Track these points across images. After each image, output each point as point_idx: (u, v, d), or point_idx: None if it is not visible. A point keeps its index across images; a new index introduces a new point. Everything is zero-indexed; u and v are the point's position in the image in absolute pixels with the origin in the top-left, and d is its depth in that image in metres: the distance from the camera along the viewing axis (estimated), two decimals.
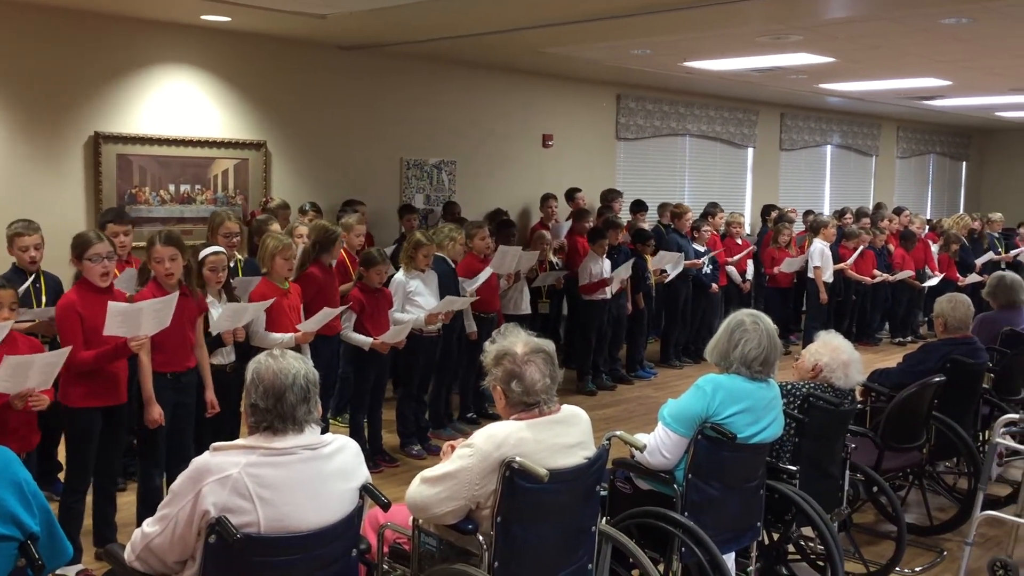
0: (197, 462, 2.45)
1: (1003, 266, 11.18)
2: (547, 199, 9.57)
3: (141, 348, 4.14)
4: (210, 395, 4.68)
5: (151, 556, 2.51)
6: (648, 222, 9.81)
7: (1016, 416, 4.42)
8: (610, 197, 9.86)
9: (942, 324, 5.23)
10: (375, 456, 6.08)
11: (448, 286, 6.38)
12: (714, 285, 9.44)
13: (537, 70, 9.98)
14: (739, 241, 10.04)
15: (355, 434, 5.96)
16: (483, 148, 9.86)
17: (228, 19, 7.20)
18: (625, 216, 9.93)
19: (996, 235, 12.05)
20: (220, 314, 4.73)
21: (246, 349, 4.91)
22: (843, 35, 7.61)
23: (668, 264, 8.86)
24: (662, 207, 9.96)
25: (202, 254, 4.76)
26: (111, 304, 3.99)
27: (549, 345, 3.00)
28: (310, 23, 7.18)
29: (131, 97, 7.32)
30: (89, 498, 4.42)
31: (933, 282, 10.83)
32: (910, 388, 4.64)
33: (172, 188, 7.57)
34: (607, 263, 8.18)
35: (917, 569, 4.59)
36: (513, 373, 2.87)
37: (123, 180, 7.27)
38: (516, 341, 2.95)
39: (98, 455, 4.32)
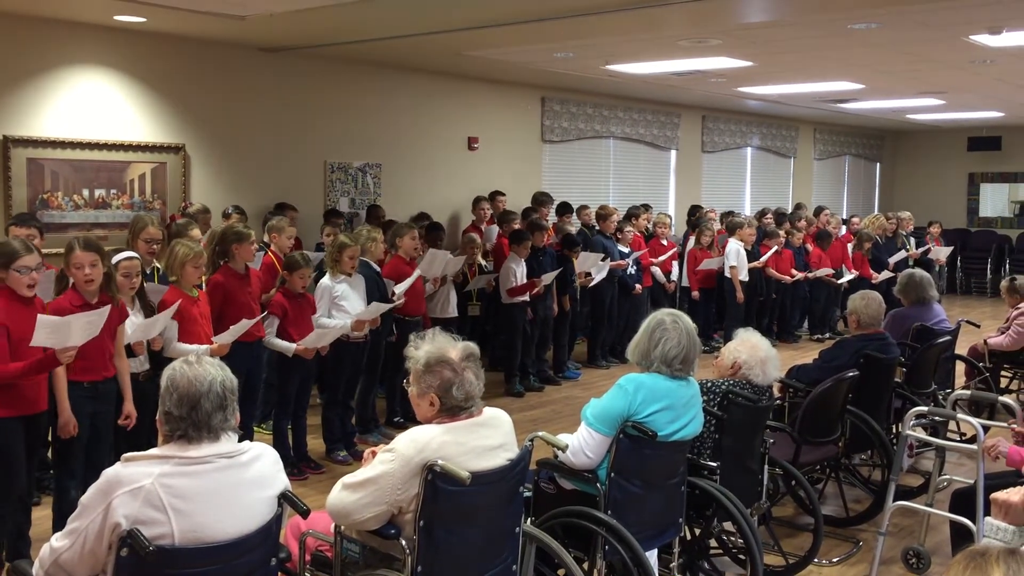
0: (108, 473, 2.39)
1: (911, 263, 11.56)
2: (479, 201, 9.55)
3: (71, 359, 4.02)
4: (128, 406, 4.56)
5: (60, 571, 2.43)
6: (573, 224, 9.88)
7: (926, 409, 4.57)
8: (541, 200, 9.89)
9: (855, 320, 5.39)
10: (300, 463, 6.00)
11: (373, 290, 6.34)
12: (638, 286, 9.57)
13: (462, 72, 9.98)
14: (664, 242, 10.20)
15: (279, 441, 5.88)
16: (409, 151, 9.81)
17: (143, 20, 7.03)
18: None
19: (905, 233, 12.46)
20: (134, 329, 4.63)
21: (160, 357, 4.82)
22: (760, 39, 7.79)
23: (592, 267, 8.93)
24: (581, 208, 10.05)
25: (115, 259, 4.63)
26: (41, 317, 3.88)
27: (475, 348, 3.01)
28: (229, 24, 7.06)
29: (42, 100, 7.09)
30: None
31: (846, 279, 11.16)
32: (825, 383, 4.76)
33: (86, 193, 7.36)
34: (524, 266, 8.20)
35: (834, 560, 4.72)
36: (452, 380, 2.86)
37: (34, 185, 7.05)
38: (447, 346, 2.94)
39: None
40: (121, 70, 7.52)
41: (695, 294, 10.23)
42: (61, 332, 3.92)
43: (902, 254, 11.82)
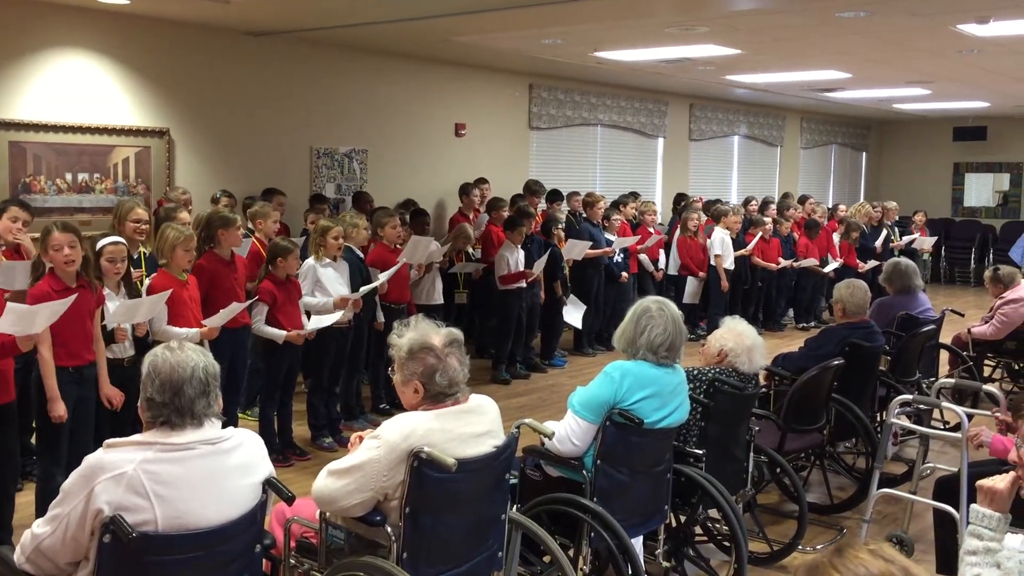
0: (90, 459, 2.37)
1: (896, 253, 11.61)
2: (469, 189, 9.50)
3: (29, 347, 3.98)
4: (107, 389, 4.53)
5: (42, 558, 2.41)
6: (562, 211, 9.86)
7: (910, 397, 4.59)
8: (534, 190, 9.84)
9: (841, 309, 5.40)
10: (285, 450, 5.98)
11: (356, 276, 6.31)
12: (624, 274, 9.57)
13: (449, 59, 9.92)
14: (652, 230, 10.19)
15: (266, 428, 5.86)
16: (395, 137, 9.76)
17: (127, 2, 6.96)
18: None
19: (890, 223, 12.51)
20: (116, 308, 4.58)
21: (147, 342, 4.78)
22: (747, 27, 7.77)
23: (578, 255, 8.90)
24: (571, 195, 10.03)
25: (100, 244, 4.60)
26: (10, 304, 3.85)
27: (459, 334, 3.00)
28: (214, 8, 6.99)
29: (24, 82, 7.01)
30: None
31: (831, 267, 11.19)
32: (811, 371, 4.78)
33: (69, 177, 7.29)
34: (521, 253, 8.20)
35: (819, 547, 4.73)
36: (435, 367, 2.85)
37: (16, 169, 6.97)
38: (430, 333, 2.92)
39: None
40: (105, 53, 7.44)
41: (690, 279, 10.21)
42: (27, 319, 3.89)
43: (886, 234, 11.89)
